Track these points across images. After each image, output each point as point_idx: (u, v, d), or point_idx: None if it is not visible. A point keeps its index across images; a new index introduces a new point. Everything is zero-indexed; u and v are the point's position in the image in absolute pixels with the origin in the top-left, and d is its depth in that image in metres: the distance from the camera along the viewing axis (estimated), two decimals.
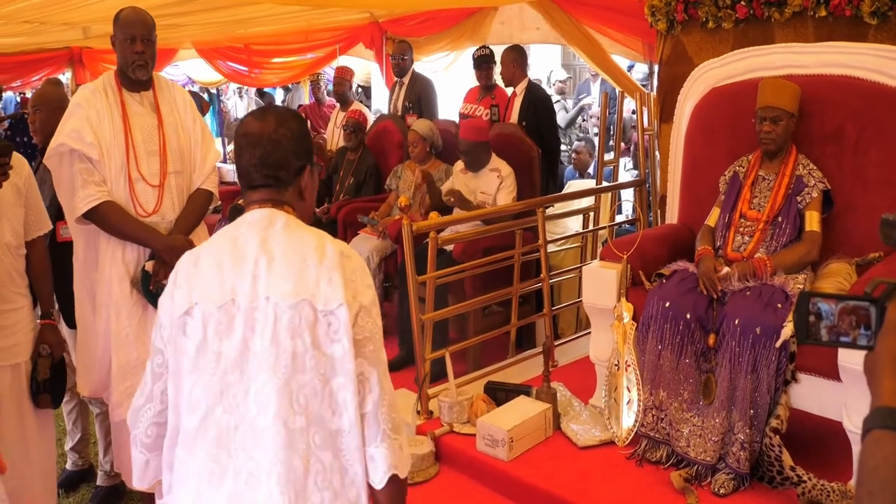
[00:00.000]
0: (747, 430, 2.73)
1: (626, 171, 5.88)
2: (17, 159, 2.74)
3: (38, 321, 2.86)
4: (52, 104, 3.43)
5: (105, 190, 2.83)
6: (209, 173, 3.05)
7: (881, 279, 0.92)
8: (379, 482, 1.54)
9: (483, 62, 5.35)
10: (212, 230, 3.51)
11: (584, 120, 7.87)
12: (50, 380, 2.82)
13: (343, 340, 1.50)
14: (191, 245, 2.94)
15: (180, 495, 1.56)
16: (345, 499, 1.53)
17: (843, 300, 0.90)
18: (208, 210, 3.13)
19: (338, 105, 6.59)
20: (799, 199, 3.05)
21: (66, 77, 9.95)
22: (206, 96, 11.20)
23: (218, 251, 1.56)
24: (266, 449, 1.48)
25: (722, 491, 2.74)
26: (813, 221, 3.02)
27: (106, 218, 2.84)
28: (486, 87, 5.42)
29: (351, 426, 1.51)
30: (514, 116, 5.07)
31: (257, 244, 1.54)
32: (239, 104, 11.47)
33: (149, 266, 2.88)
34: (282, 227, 1.57)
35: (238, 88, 11.45)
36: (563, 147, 7.42)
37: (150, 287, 2.89)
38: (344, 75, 6.46)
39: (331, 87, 7.59)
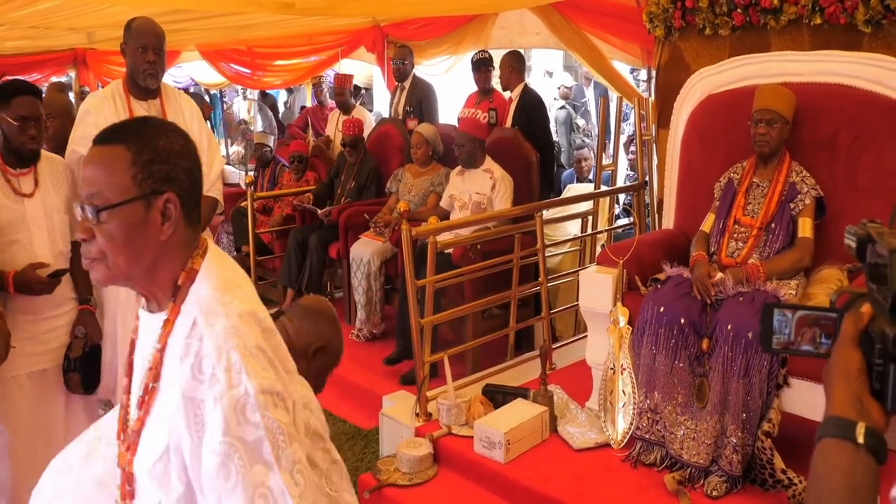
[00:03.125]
0: (740, 434, 2.77)
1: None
2: (65, 166, 2.87)
3: (77, 306, 2.93)
4: (64, 111, 3.52)
5: None
6: (214, 181, 3.12)
7: (845, 288, 0.97)
8: None
9: (481, 65, 5.42)
10: (213, 231, 3.57)
11: (586, 123, 7.91)
12: (81, 360, 2.88)
13: None
14: None
15: None
16: None
17: (805, 311, 0.95)
18: (213, 217, 3.19)
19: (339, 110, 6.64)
20: (792, 205, 3.10)
21: (68, 78, 10.02)
22: (207, 98, 11.28)
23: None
24: None
25: (714, 493, 2.79)
26: (806, 228, 3.07)
27: None
28: (483, 91, 5.48)
29: None
30: (508, 121, 5.13)
31: None
32: (242, 105, 11.53)
33: None
34: None
35: (242, 90, 11.50)
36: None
37: None
38: (343, 84, 6.52)
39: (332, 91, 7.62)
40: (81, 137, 2.90)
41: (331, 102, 7.71)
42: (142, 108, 3.01)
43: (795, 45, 3.69)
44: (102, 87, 9.38)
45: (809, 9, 3.60)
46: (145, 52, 2.94)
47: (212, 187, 3.12)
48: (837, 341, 0.89)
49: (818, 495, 0.80)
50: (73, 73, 9.87)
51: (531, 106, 5.13)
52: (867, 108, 3.14)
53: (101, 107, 2.95)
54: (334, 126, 6.55)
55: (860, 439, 0.81)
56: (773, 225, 3.10)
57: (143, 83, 2.97)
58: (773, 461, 2.74)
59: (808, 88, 3.28)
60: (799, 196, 3.10)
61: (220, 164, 3.18)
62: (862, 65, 3.22)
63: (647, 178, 4.67)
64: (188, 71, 10.72)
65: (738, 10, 3.85)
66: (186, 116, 3.11)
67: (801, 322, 0.95)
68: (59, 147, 3.03)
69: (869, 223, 0.93)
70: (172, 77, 11.22)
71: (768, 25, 3.78)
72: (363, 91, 10.43)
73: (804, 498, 2.66)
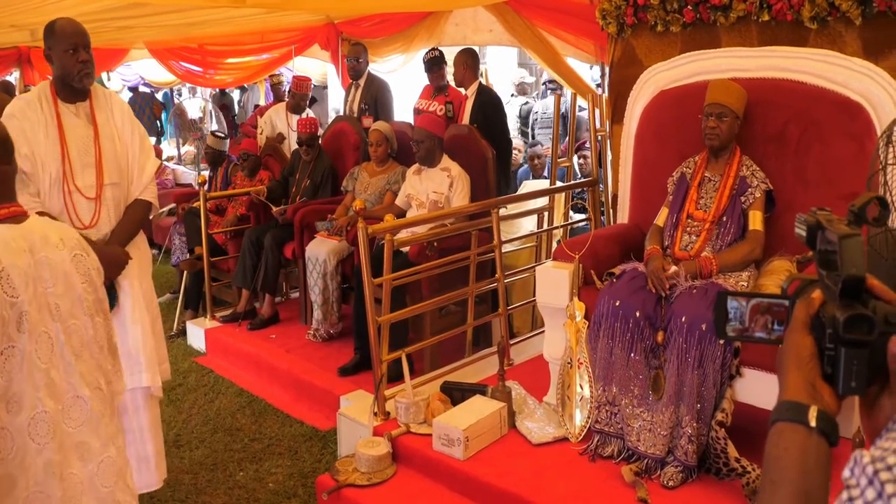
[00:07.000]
0: (694, 424, 2.81)
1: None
2: None
3: None
4: None
5: (38, 201, 2.81)
6: (147, 184, 3.05)
7: (796, 275, 0.98)
8: None
9: (433, 64, 5.40)
10: (165, 233, 3.49)
11: (533, 122, 7.94)
12: None
13: None
14: (127, 256, 2.93)
15: None
16: None
17: (758, 298, 0.96)
18: (146, 220, 3.11)
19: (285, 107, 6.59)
20: (743, 199, 3.15)
21: (13, 77, 9.76)
22: (160, 98, 11.07)
23: None
24: None
25: (671, 483, 2.82)
26: (756, 221, 3.12)
27: None
28: (438, 88, 5.48)
29: None
30: (465, 118, 5.13)
31: None
32: (193, 104, 11.35)
33: None
34: None
35: (192, 88, 11.34)
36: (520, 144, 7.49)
37: None
38: (305, 90, 6.50)
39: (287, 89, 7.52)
40: None
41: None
42: (69, 112, 2.90)
43: (744, 41, 3.76)
44: None
45: (757, 6, 3.67)
46: (76, 52, 2.82)
47: (145, 190, 3.05)
48: (790, 327, 0.90)
49: (772, 478, 0.81)
50: (17, 73, 9.63)
51: (489, 104, 5.15)
52: (814, 102, 3.21)
53: (27, 111, 2.83)
54: (284, 123, 6.48)
55: (812, 422, 0.82)
56: (724, 218, 3.15)
57: (80, 84, 2.86)
58: (727, 450, 2.78)
59: (757, 84, 3.34)
60: (749, 189, 3.15)
61: (154, 167, 3.09)
62: (808, 60, 3.28)
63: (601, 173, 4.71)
64: (137, 69, 10.52)
65: (689, 7, 3.91)
66: (117, 119, 3.01)
67: (754, 309, 0.96)
68: None
69: (818, 211, 0.94)
70: (121, 76, 11.01)
71: (718, 22, 3.84)
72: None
73: (759, 481, 2.71)
